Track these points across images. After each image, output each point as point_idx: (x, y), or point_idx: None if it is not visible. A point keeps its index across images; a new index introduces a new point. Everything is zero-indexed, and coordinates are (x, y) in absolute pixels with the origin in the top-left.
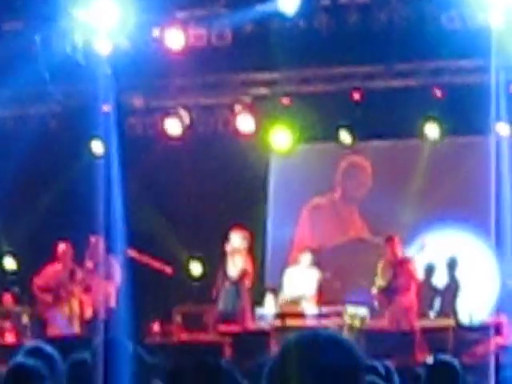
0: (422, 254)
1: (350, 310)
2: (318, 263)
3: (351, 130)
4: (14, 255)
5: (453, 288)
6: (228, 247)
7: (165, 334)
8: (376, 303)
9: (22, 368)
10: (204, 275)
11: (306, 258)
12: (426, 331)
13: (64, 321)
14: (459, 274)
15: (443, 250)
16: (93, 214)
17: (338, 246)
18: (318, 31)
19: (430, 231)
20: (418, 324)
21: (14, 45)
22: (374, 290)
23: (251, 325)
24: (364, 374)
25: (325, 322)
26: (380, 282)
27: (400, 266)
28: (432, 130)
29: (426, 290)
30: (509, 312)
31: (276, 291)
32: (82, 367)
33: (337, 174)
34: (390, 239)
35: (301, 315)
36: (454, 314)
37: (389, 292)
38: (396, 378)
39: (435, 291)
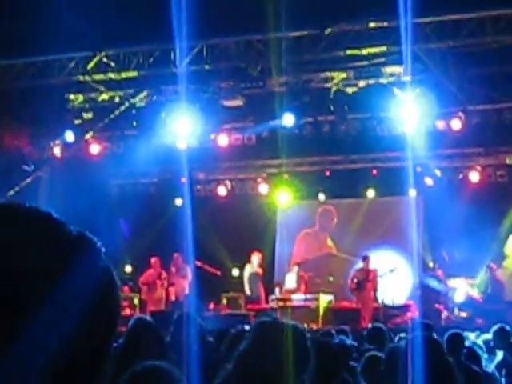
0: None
1: (323, 296)
2: (304, 269)
3: (324, 192)
4: (131, 264)
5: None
6: (252, 259)
7: (217, 310)
8: (350, 292)
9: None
10: (239, 276)
11: (295, 267)
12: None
13: (156, 302)
14: (380, 280)
15: (382, 263)
16: (176, 240)
17: (317, 257)
18: (306, 136)
19: (372, 251)
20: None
21: (130, 145)
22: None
23: (266, 305)
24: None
25: (308, 303)
26: (355, 279)
27: (370, 274)
28: (371, 193)
29: None
30: (415, 298)
31: (281, 285)
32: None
33: (316, 215)
34: (366, 257)
35: (293, 300)
36: (377, 300)
37: (361, 288)
38: (350, 336)
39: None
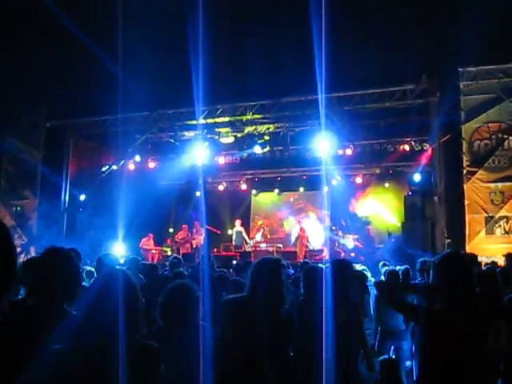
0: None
1: (276, 244)
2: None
3: (278, 188)
4: (173, 227)
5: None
6: (236, 223)
7: (218, 252)
8: (293, 241)
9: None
10: (231, 234)
11: (262, 229)
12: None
13: (187, 247)
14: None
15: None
16: (197, 214)
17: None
18: (266, 158)
19: (303, 219)
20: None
21: (171, 163)
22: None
23: (246, 249)
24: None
25: (269, 248)
26: (294, 235)
27: (302, 231)
28: (301, 189)
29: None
30: (326, 245)
31: (253, 238)
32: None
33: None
34: (299, 221)
35: (261, 246)
36: (308, 247)
37: (297, 240)
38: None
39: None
